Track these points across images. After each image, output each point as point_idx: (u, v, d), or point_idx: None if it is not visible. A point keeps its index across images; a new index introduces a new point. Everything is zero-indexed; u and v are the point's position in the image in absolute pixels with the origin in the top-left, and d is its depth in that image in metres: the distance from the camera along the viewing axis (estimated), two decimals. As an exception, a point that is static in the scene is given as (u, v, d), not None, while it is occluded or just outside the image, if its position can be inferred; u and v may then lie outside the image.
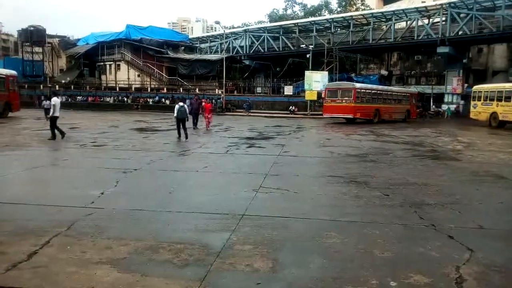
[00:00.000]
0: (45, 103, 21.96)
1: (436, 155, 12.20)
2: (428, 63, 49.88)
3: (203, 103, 21.86)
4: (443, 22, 39.35)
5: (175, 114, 15.04)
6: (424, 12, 41.93)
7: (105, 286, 3.30)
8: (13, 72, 27.33)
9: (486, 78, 46.19)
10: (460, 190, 7.38)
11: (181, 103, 15.49)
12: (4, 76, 25.10)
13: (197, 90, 46.57)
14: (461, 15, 38.15)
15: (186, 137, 14.79)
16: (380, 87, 34.19)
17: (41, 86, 50.31)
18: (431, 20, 41.80)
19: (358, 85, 30.16)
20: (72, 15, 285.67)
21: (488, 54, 46.52)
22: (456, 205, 6.10)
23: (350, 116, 27.41)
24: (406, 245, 4.39)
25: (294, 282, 3.45)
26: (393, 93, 33.20)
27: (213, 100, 40.02)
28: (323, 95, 38.42)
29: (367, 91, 29.39)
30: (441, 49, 38.98)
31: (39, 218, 5.05)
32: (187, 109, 15.80)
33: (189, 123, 17.02)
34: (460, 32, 38.20)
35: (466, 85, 42.75)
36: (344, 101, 27.52)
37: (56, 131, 13.69)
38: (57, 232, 4.50)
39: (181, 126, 14.99)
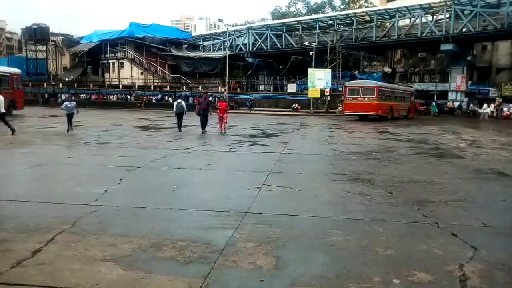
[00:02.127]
0: (69, 105, 16.02)
1: (440, 152, 12.16)
2: (432, 61, 49.71)
3: (218, 102, 19.54)
4: (447, 19, 39.17)
5: (174, 109, 17.92)
6: (428, 9, 41.75)
7: (109, 283, 3.32)
8: (17, 71, 27.44)
9: (490, 75, 46.01)
10: (464, 188, 7.35)
11: (179, 100, 18.75)
12: (8, 74, 25.21)
13: (200, 87, 46.60)
14: (465, 12, 37.95)
15: (181, 129, 17.47)
16: (392, 85, 35.30)
17: (45, 84, 50.49)
18: (435, 17, 41.60)
19: (379, 83, 31.06)
20: (75, 13, 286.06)
21: (492, 51, 46.30)
22: (460, 203, 6.08)
23: (373, 113, 28.06)
24: (409, 242, 4.39)
25: (297, 279, 3.46)
26: (400, 91, 34.20)
27: (217, 98, 39.78)
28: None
29: (385, 89, 30.34)
30: (445, 46, 38.84)
31: (43, 215, 5.08)
32: (184, 105, 18.03)
33: (187, 120, 18.17)
34: (464, 29, 38.04)
35: (470, 82, 42.57)
36: (366, 98, 28.26)
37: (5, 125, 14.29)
38: (61, 229, 4.52)
39: (179, 119, 17.60)
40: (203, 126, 17.07)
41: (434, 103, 40.24)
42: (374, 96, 28.18)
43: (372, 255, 4.01)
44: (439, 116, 37.13)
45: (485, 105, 35.34)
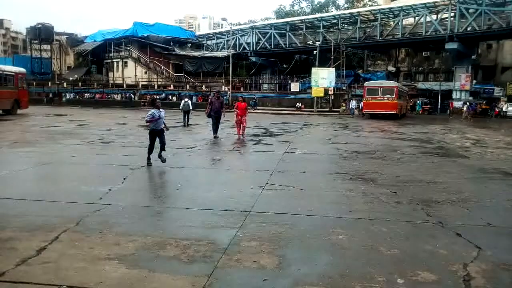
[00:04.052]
0: (157, 114, 8.69)
1: (444, 152, 12.12)
2: (436, 60, 49.54)
3: (236, 103, 16.32)
4: (452, 18, 38.99)
5: (181, 107, 19.80)
6: (432, 7, 41.57)
7: (113, 281, 3.33)
8: (22, 70, 27.53)
9: (495, 75, 45.76)
10: (468, 187, 7.32)
11: (185, 99, 20.73)
12: (13, 73, 25.29)
13: (203, 87, 46.63)
14: (470, 11, 37.75)
15: (187, 124, 19.14)
16: (401, 85, 36.62)
17: (49, 83, 50.72)
18: (439, 15, 41.45)
19: (397, 83, 33.22)
20: (79, 12, 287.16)
21: (498, 50, 46.05)
22: (464, 203, 6.05)
23: (393, 112, 29.57)
24: (413, 242, 4.37)
25: (300, 279, 3.46)
26: (403, 91, 35.39)
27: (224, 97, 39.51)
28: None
29: (400, 89, 32.22)
30: (450, 45, 38.67)
31: (47, 214, 5.10)
32: (190, 104, 19.93)
33: (191, 119, 18.79)
34: (469, 28, 37.83)
35: (474, 81, 42.34)
36: (386, 98, 29.75)
37: None
38: (65, 228, 4.54)
39: (185, 116, 19.37)
40: (215, 130, 14.85)
41: (419, 101, 40.78)
42: (394, 96, 29.83)
43: (376, 255, 4.00)
44: (425, 115, 37.39)
45: (467, 104, 35.49)
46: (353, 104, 35.57)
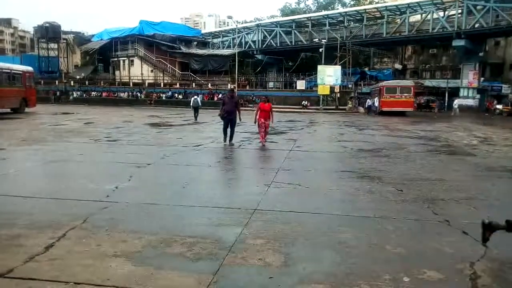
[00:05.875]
0: None
1: (451, 150, 12.03)
2: (444, 57, 49.18)
3: (258, 103, 13.90)
4: (459, 15, 38.67)
5: (191, 104, 23.03)
6: (439, 4, 41.27)
7: (119, 278, 3.35)
8: (30, 69, 27.74)
9: (503, 72, 45.32)
10: (476, 185, 7.27)
11: (195, 96, 24.03)
12: (21, 72, 25.50)
13: (209, 85, 46.67)
14: (478, 7, 37.41)
15: (196, 120, 21.65)
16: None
17: (57, 82, 51.09)
18: (446, 12, 41.14)
19: (413, 83, 35.70)
20: (85, 11, 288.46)
21: (506, 46, 45.57)
22: (471, 201, 6.01)
23: (410, 109, 32.50)
24: (419, 240, 4.36)
25: (306, 276, 3.46)
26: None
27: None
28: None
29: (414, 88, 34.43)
30: (457, 42, 38.38)
31: (55, 211, 5.15)
32: (199, 101, 23.25)
33: (197, 114, 20.48)
34: (476, 25, 37.50)
35: (482, 79, 41.97)
36: (404, 96, 32.14)
37: None
38: (73, 225, 4.58)
39: (195, 112, 22.38)
40: (227, 135, 12.18)
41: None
42: (411, 94, 32.47)
43: (381, 253, 3.99)
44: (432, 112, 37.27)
45: (456, 101, 35.32)
46: (371, 101, 35.19)
